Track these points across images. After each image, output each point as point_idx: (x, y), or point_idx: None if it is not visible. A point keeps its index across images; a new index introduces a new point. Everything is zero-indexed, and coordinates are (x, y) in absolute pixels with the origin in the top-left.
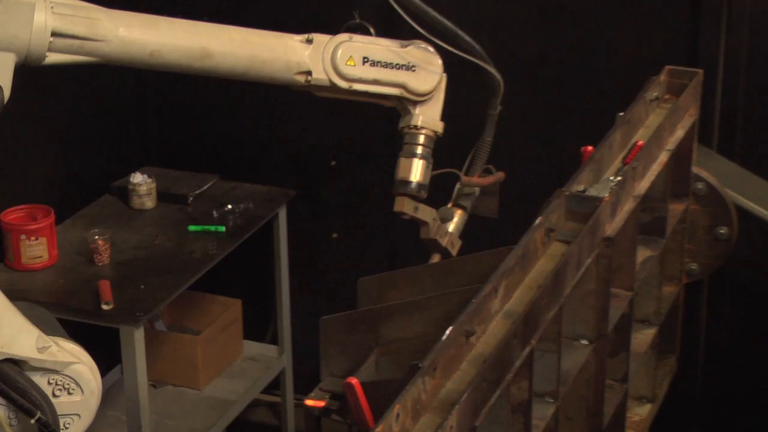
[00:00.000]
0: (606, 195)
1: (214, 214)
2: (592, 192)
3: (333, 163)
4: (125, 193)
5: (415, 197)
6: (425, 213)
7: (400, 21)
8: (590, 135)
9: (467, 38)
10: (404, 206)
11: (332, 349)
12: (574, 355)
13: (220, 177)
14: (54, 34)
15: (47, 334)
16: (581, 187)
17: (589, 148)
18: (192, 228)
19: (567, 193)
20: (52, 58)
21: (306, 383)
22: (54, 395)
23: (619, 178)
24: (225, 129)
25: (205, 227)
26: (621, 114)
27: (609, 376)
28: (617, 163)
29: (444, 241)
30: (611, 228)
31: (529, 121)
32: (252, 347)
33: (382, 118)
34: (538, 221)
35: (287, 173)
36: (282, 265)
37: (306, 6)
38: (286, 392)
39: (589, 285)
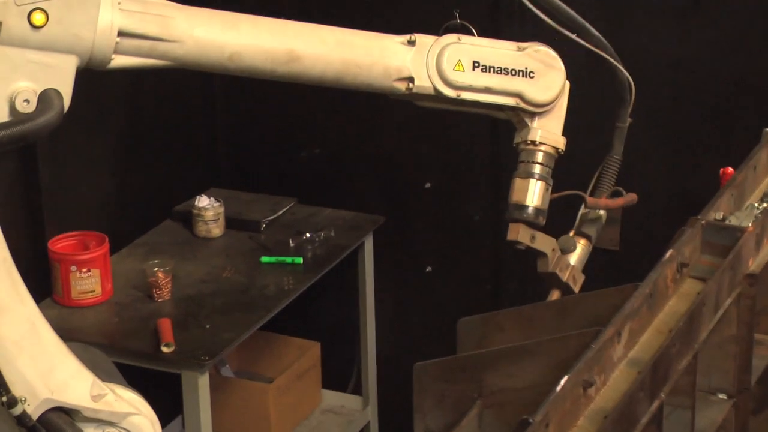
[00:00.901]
0: (749, 224)
1: (291, 243)
2: (733, 221)
3: (428, 185)
4: (189, 219)
5: (532, 224)
6: (543, 243)
7: (507, 21)
8: (731, 154)
9: (597, 34)
10: (519, 234)
11: (428, 401)
12: (710, 411)
13: (298, 201)
14: (121, 33)
15: (103, 380)
16: (720, 215)
17: (730, 169)
18: (265, 259)
19: (703, 221)
20: (118, 61)
21: None
22: None
23: (765, 204)
24: (304, 145)
25: (280, 258)
26: None
27: None
28: (763, 187)
29: (565, 276)
30: (755, 263)
31: (660, 136)
32: (332, 397)
33: (486, 133)
34: (668, 254)
35: (375, 197)
36: (368, 303)
37: (398, 5)
38: None
39: (729, 330)
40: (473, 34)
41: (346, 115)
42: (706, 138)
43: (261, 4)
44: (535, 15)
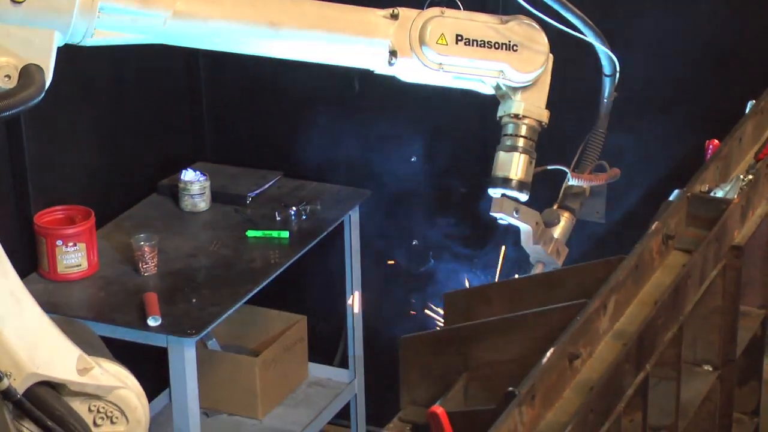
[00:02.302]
0: (735, 197)
1: (277, 217)
2: (719, 193)
3: (413, 158)
4: (175, 193)
5: (515, 198)
6: (527, 216)
7: None
8: (716, 126)
9: (578, 12)
10: (503, 207)
11: (414, 374)
12: (695, 383)
13: (284, 174)
14: (102, 8)
15: (89, 354)
16: (705, 188)
17: (715, 141)
18: (251, 233)
19: (689, 194)
20: (99, 36)
21: (381, 413)
22: (95, 424)
23: (750, 176)
24: (289, 119)
25: (267, 232)
26: (753, 102)
27: (737, 408)
28: (748, 159)
29: (549, 249)
30: (741, 235)
31: (644, 110)
32: (319, 371)
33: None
34: (654, 227)
35: (360, 170)
36: (354, 276)
37: None
38: (357, 423)
39: (715, 301)
40: (458, 8)
41: (332, 89)
42: (691, 110)
43: None
44: None
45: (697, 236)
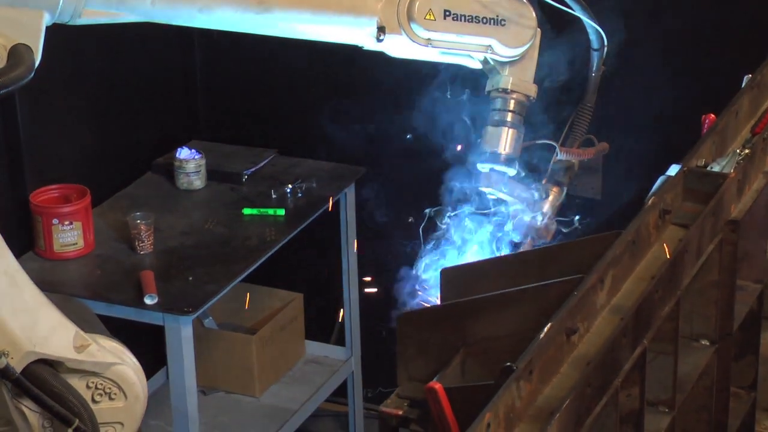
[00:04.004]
0: (731, 171)
1: (273, 194)
2: (715, 167)
3: (409, 136)
4: (171, 171)
5: (503, 172)
6: (515, 190)
7: None
8: (712, 100)
9: None
10: (491, 182)
11: (411, 350)
12: (693, 357)
13: (279, 152)
14: None
15: (85, 331)
16: (702, 162)
17: (711, 116)
18: (247, 211)
19: (685, 168)
20: (88, 15)
21: (377, 390)
22: (93, 400)
23: (746, 151)
24: (284, 97)
25: (262, 210)
26: (749, 76)
27: (734, 382)
28: (745, 133)
29: (537, 223)
30: (737, 210)
31: (637, 84)
32: (315, 348)
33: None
34: (650, 201)
35: (356, 147)
36: (350, 254)
37: None
38: (354, 400)
39: (711, 276)
40: None
41: (327, 66)
42: (686, 84)
43: None
44: None
45: (693, 211)
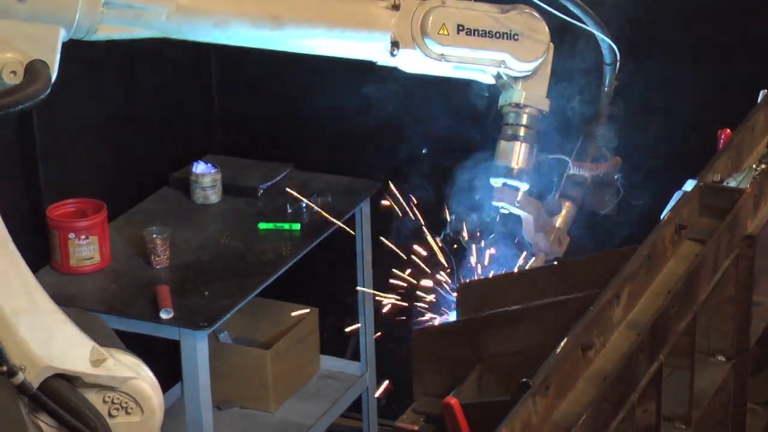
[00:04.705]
0: (747, 186)
1: (288, 209)
2: (731, 183)
3: (425, 151)
4: (187, 186)
5: (516, 187)
6: (528, 205)
7: None
8: (728, 116)
9: (578, 1)
10: (505, 197)
11: (427, 366)
12: (709, 373)
13: (295, 166)
14: (106, 3)
15: (102, 345)
16: (718, 177)
17: (727, 131)
18: (262, 226)
19: (701, 183)
20: (104, 31)
21: (393, 405)
22: (110, 415)
23: (762, 166)
24: (301, 111)
25: (278, 225)
26: (765, 91)
27: (750, 398)
28: (761, 148)
29: (550, 238)
30: (753, 225)
31: (652, 99)
32: (331, 363)
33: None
34: (666, 217)
35: (372, 162)
36: (365, 268)
37: None
38: (369, 415)
39: (728, 291)
40: None
41: (344, 81)
42: (702, 99)
43: None
44: None
45: (709, 226)
